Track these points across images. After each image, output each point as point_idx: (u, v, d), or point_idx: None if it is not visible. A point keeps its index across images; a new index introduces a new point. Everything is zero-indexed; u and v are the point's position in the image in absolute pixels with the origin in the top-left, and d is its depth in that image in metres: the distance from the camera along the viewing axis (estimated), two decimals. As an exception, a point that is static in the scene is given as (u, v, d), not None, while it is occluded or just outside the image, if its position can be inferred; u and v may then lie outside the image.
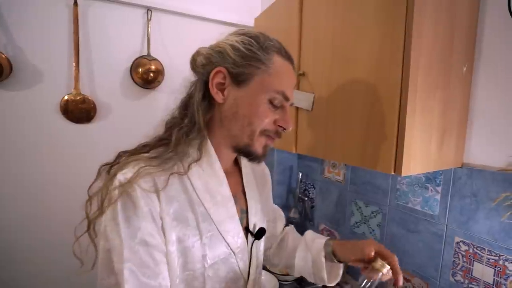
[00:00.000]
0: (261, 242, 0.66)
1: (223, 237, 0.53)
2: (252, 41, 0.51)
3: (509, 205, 0.68)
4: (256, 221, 0.63)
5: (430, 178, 0.87)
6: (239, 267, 0.56)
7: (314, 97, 0.92)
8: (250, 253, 0.59)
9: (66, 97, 1.13)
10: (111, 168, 0.49)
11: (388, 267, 0.53)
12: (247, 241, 0.59)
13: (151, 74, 1.25)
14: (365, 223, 1.14)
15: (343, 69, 0.80)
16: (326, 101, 0.87)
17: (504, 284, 0.71)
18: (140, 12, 1.24)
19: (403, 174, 0.63)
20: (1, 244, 1.08)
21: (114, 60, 1.21)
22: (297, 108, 1.00)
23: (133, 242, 0.43)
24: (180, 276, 0.49)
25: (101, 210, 0.45)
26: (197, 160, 0.50)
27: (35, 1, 1.07)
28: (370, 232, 1.11)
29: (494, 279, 0.73)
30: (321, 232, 1.40)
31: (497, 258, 0.72)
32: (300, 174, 1.45)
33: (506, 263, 0.70)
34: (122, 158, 0.51)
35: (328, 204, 1.36)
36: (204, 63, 0.52)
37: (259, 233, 0.61)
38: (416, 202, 0.93)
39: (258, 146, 0.54)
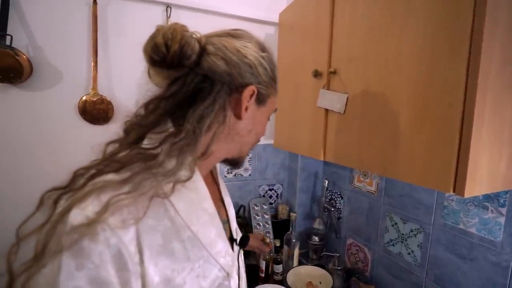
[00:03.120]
0: (242, 251, 0.60)
1: (216, 260, 0.45)
2: (272, 60, 0.50)
3: None
4: (236, 226, 0.60)
5: (491, 196, 0.72)
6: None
7: (347, 98, 0.80)
8: (238, 266, 0.53)
9: (84, 98, 1.10)
10: (61, 197, 0.35)
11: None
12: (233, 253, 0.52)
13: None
14: (402, 242, 1.00)
15: (383, 66, 0.68)
16: (362, 102, 0.75)
17: None
18: (159, 10, 1.19)
19: (466, 195, 0.51)
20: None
21: (132, 59, 1.17)
22: (326, 110, 0.89)
23: None
24: None
25: (38, 262, 0.31)
26: (185, 181, 0.40)
27: (56, 0, 1.05)
28: (409, 253, 0.97)
29: None
30: (348, 247, 1.27)
31: None
32: (326, 181, 1.32)
33: None
34: (80, 181, 0.37)
35: (357, 217, 1.22)
36: (228, 72, 0.43)
37: (243, 240, 0.58)
38: (470, 223, 0.78)
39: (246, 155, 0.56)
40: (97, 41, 1.08)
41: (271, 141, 1.36)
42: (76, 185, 0.36)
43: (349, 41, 0.79)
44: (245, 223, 1.37)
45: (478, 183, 0.52)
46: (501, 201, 0.70)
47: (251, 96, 0.46)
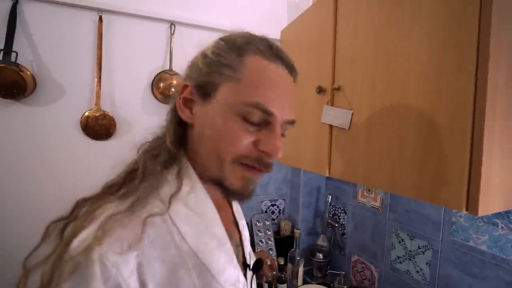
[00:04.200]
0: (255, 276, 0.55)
1: None
2: (223, 43, 0.42)
3: None
4: (249, 250, 0.57)
5: (501, 213, 0.71)
6: None
7: (352, 114, 0.80)
8: None
9: (86, 113, 1.10)
10: (65, 226, 0.36)
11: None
12: (246, 279, 0.48)
13: (173, 89, 1.20)
14: (410, 259, 0.98)
15: (388, 82, 0.68)
16: (367, 118, 0.75)
17: None
18: (163, 27, 1.21)
19: (480, 214, 0.50)
20: (13, 263, 1.03)
21: (136, 75, 1.18)
22: (330, 126, 0.89)
23: None
24: None
25: None
26: (177, 191, 0.39)
27: (62, 18, 1.06)
28: (417, 271, 0.95)
29: None
30: (354, 264, 1.24)
31: None
32: (330, 196, 1.31)
33: None
34: (82, 209, 0.38)
35: (362, 233, 1.20)
36: (180, 82, 0.47)
37: (257, 265, 0.52)
38: (481, 240, 0.76)
39: (233, 179, 0.41)
40: (101, 58, 1.09)
41: (274, 156, 1.35)
42: (80, 212, 0.37)
43: (352, 57, 0.80)
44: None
45: (491, 201, 0.51)
46: (511, 218, 0.69)
47: (184, 90, 0.43)
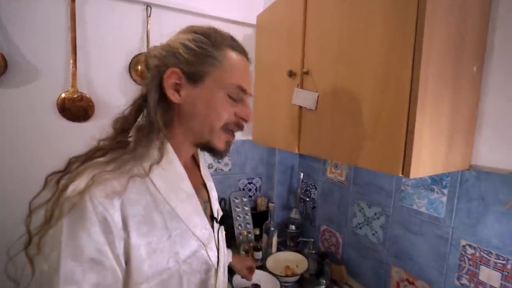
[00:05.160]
0: (222, 227, 0.67)
1: (192, 232, 0.53)
2: (203, 38, 0.51)
3: (519, 208, 0.66)
4: (217, 207, 0.67)
5: (436, 180, 0.86)
6: (209, 257, 0.56)
7: (318, 96, 0.90)
8: (218, 241, 0.61)
9: (63, 95, 1.10)
10: (61, 178, 0.45)
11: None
12: (213, 230, 0.60)
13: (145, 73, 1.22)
14: (367, 224, 1.13)
15: (349, 68, 0.78)
16: (331, 100, 0.85)
17: (513, 289, 0.70)
18: (139, 9, 1.21)
19: (411, 176, 0.62)
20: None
21: (113, 57, 1.18)
22: (300, 107, 0.98)
23: (76, 263, 0.40)
24: (154, 278, 0.47)
25: (47, 225, 0.41)
26: (158, 161, 0.48)
27: (31, -4, 1.04)
28: (373, 234, 1.10)
29: (501, 283, 0.72)
30: (322, 233, 1.39)
31: (505, 262, 0.71)
32: (302, 174, 1.43)
33: (515, 268, 0.69)
34: (74, 165, 0.46)
35: (330, 205, 1.34)
36: (157, 64, 0.51)
37: (222, 218, 0.65)
38: (421, 204, 0.91)
39: (219, 142, 0.55)
40: (75, 39, 1.09)
41: (250, 137, 1.43)
42: (72, 168, 0.46)
43: (319, 45, 0.89)
44: (230, 236, 1.40)
45: (421, 166, 0.64)
46: (444, 183, 0.84)
47: (171, 76, 0.50)
